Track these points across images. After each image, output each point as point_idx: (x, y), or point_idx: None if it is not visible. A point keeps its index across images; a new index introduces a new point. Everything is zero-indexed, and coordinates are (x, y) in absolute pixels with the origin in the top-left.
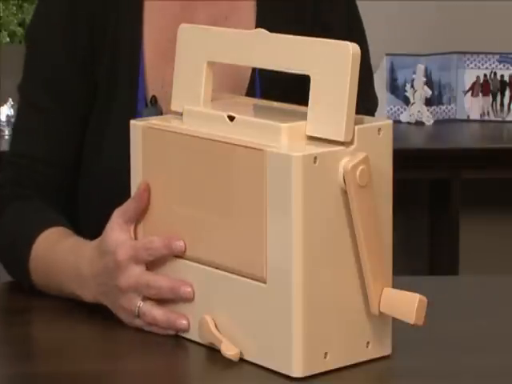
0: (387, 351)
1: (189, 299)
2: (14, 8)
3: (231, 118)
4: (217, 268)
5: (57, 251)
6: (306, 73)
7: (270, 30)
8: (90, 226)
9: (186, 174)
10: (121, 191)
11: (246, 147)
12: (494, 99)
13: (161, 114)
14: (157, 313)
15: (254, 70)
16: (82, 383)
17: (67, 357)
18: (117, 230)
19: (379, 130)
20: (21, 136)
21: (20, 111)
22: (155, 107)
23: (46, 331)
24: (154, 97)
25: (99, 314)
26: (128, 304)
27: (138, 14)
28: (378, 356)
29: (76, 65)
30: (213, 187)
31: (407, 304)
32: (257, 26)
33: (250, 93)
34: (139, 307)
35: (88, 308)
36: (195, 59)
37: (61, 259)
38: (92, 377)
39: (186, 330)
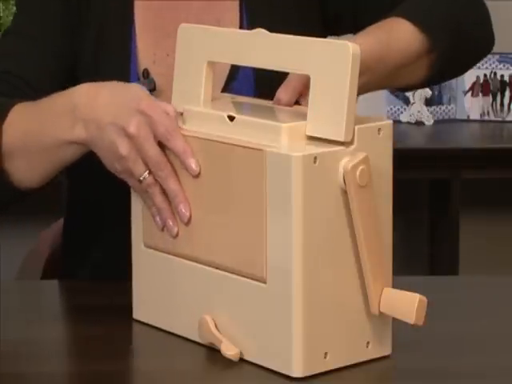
0: (387, 351)
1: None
2: (14, 8)
3: (231, 118)
4: (217, 268)
5: (40, 102)
6: (306, 73)
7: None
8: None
9: (185, 174)
10: None
11: (246, 147)
12: (494, 99)
13: (154, 87)
14: (158, 196)
15: (234, 66)
16: (82, 383)
17: (67, 357)
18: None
19: (379, 129)
20: (6, 57)
21: (3, 39)
22: (148, 80)
23: (46, 331)
24: (145, 70)
25: (100, 314)
26: (133, 166)
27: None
28: (378, 356)
29: (64, 24)
30: (213, 187)
31: (407, 304)
32: (241, 26)
33: (228, 85)
34: (145, 177)
35: (88, 308)
36: (195, 59)
37: (46, 104)
38: (92, 377)
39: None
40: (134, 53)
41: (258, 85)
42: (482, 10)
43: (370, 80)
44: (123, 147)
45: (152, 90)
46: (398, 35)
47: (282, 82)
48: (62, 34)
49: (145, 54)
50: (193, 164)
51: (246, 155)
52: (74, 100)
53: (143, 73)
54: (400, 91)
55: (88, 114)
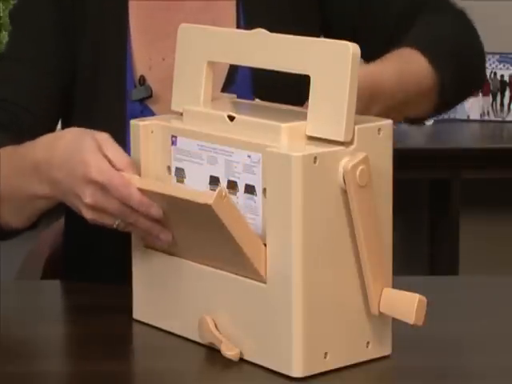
0: (387, 351)
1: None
2: None
3: (231, 118)
4: (217, 268)
5: (14, 154)
6: (306, 73)
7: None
8: None
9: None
10: None
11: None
12: (494, 99)
13: (150, 94)
14: (137, 230)
15: (233, 67)
16: (82, 383)
17: (67, 357)
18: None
19: (379, 129)
20: (2, 84)
21: (0, 67)
22: (144, 87)
23: (46, 331)
24: (142, 77)
25: (100, 314)
26: (102, 221)
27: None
28: (377, 356)
29: (59, 35)
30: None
31: (407, 304)
32: (238, 27)
33: (226, 89)
34: (118, 224)
35: (88, 308)
36: (195, 59)
37: (17, 158)
38: (92, 377)
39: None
40: (129, 60)
41: (255, 89)
42: (479, 41)
43: (385, 107)
44: (86, 213)
45: (148, 96)
46: (412, 66)
47: (279, 86)
48: (58, 47)
49: (140, 59)
50: (154, 212)
51: (194, 209)
52: (35, 156)
53: (139, 80)
54: (408, 122)
55: (48, 173)
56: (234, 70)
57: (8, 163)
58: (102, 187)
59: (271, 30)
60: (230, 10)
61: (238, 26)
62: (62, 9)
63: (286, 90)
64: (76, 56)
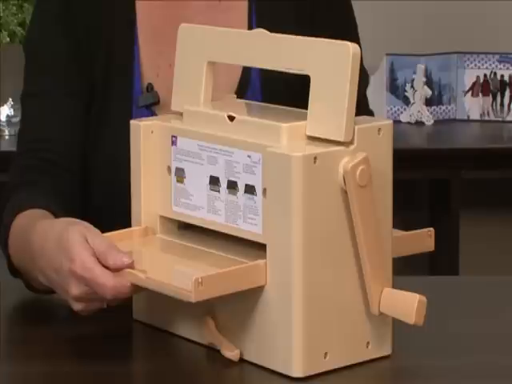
0: (387, 351)
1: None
2: (14, 8)
3: (231, 118)
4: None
5: (25, 232)
6: (306, 73)
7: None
8: (100, 209)
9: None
10: (122, 178)
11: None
12: (494, 99)
13: (158, 100)
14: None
15: (249, 70)
16: (82, 383)
17: (67, 357)
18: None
19: (379, 129)
20: (32, 124)
21: (24, 106)
22: (152, 94)
23: (46, 331)
24: (149, 84)
25: (100, 314)
26: (93, 308)
27: (132, 5)
28: (377, 356)
29: (74, 57)
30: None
31: (407, 304)
32: (250, 27)
33: (240, 92)
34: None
35: None
36: (195, 59)
37: (25, 239)
38: (92, 377)
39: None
40: (137, 67)
41: (265, 98)
42: None
43: None
44: (74, 305)
45: (156, 102)
46: None
47: (289, 98)
48: (75, 68)
49: (149, 66)
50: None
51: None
52: (31, 241)
53: (147, 87)
54: None
55: (40, 265)
56: (243, 84)
57: (19, 241)
58: (86, 282)
59: (283, 32)
60: (242, 11)
61: (250, 28)
62: (75, 41)
63: (296, 98)
64: (92, 61)
